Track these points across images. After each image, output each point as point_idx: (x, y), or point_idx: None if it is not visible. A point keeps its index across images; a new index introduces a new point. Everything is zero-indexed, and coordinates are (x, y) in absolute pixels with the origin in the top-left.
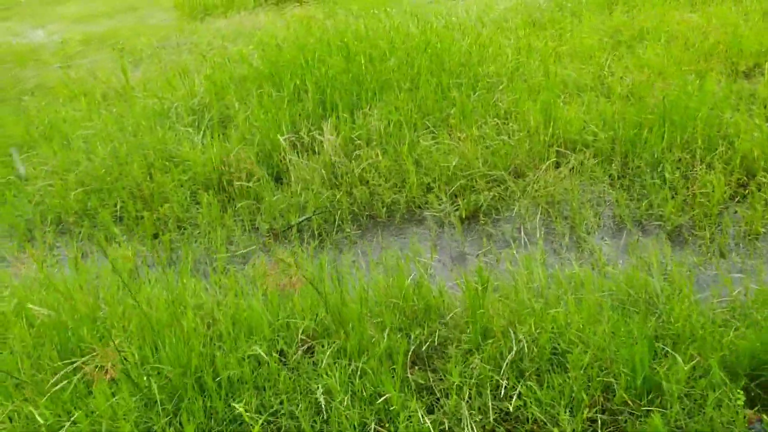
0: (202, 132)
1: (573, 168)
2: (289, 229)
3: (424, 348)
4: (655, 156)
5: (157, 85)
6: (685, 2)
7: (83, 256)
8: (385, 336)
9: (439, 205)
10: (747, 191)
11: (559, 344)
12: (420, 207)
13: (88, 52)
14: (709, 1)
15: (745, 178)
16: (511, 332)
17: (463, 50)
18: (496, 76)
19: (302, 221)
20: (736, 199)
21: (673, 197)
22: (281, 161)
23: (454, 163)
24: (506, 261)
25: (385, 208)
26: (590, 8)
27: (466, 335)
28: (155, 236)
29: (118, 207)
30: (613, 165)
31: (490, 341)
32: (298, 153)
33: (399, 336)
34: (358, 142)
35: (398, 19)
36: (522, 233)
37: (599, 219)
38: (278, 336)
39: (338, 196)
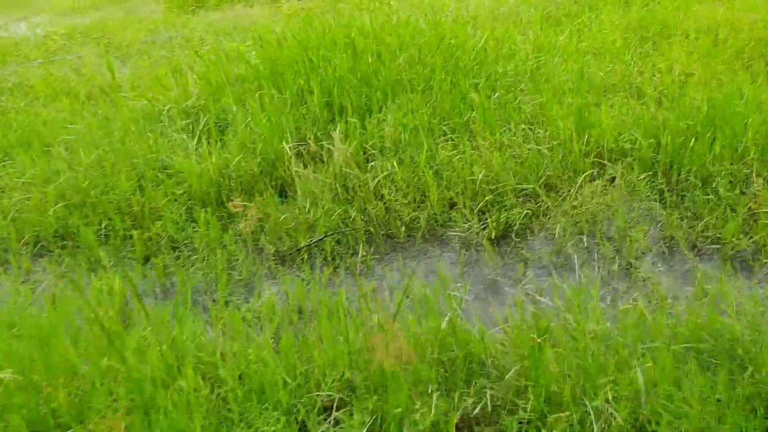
0: (197, 139)
1: (613, 181)
2: (298, 252)
3: (472, 414)
4: (705, 168)
5: (146, 84)
6: None
7: (65, 284)
8: (433, 405)
9: (465, 223)
10: None
11: (640, 415)
12: (443, 225)
13: (72, 46)
14: None
15: None
16: (584, 400)
17: (479, 47)
18: (514, 76)
19: (312, 244)
20: None
21: (732, 217)
22: (286, 172)
23: (480, 177)
24: (552, 294)
25: (403, 227)
26: (607, 1)
27: (523, 401)
28: (146, 259)
29: (104, 225)
30: (658, 178)
31: (558, 414)
32: (304, 163)
33: (441, 398)
34: (372, 151)
35: (405, 12)
36: (562, 257)
37: (648, 241)
38: (297, 402)
39: (352, 214)
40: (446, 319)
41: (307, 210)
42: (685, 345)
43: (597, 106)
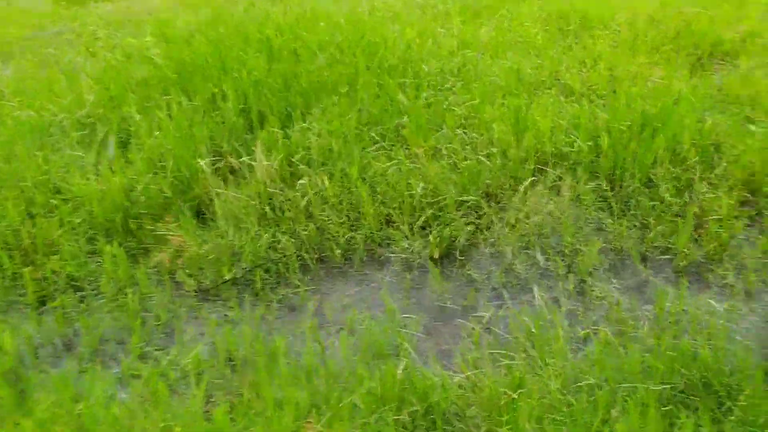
0: (96, 155)
1: (557, 189)
2: (223, 286)
3: None
4: (648, 172)
5: (33, 89)
6: None
7: None
8: None
9: (405, 241)
10: (755, 211)
11: None
12: (381, 245)
13: None
14: None
15: (748, 195)
16: None
17: (402, 44)
18: (441, 74)
19: (239, 276)
20: (743, 221)
21: (681, 225)
22: (203, 192)
23: (419, 190)
24: (510, 324)
25: (339, 250)
26: None
27: None
28: (42, 303)
29: None
30: (602, 183)
31: None
32: (223, 180)
33: None
34: (299, 165)
35: (320, 4)
36: (512, 277)
37: (599, 254)
38: None
39: (281, 238)
40: (401, 366)
41: (230, 235)
42: (662, 384)
43: (528, 105)
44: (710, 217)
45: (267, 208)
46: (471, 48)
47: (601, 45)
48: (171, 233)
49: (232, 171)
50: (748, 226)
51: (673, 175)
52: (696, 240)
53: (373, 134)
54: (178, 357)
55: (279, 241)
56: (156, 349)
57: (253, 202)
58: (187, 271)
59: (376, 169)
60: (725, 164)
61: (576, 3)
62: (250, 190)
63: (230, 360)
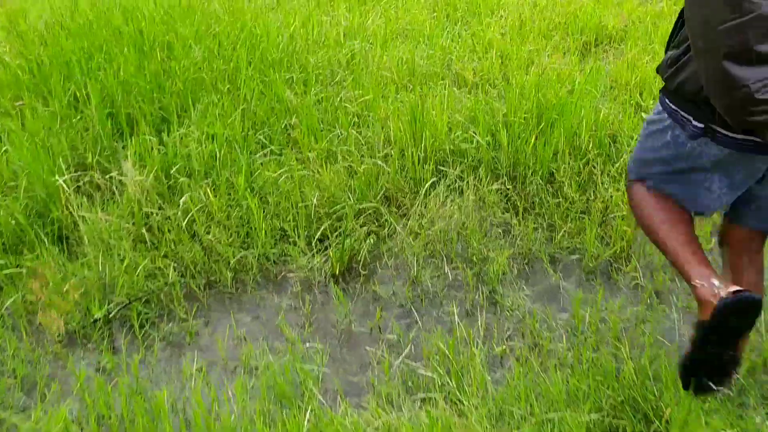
0: None
1: (459, 190)
2: (93, 325)
3: None
4: (548, 167)
5: None
6: None
7: None
8: None
9: (303, 258)
10: None
11: None
12: (276, 263)
13: None
14: None
15: None
16: None
17: (287, 34)
18: (329, 67)
19: (112, 313)
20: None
21: (586, 224)
22: (65, 214)
23: (314, 200)
24: (424, 349)
25: (230, 272)
26: None
27: None
28: None
29: None
30: (504, 182)
31: None
32: (90, 199)
33: None
34: (178, 177)
35: None
36: (419, 290)
37: (508, 260)
38: None
39: (162, 265)
40: (307, 413)
41: (100, 266)
42: (589, 411)
43: (423, 99)
44: (614, 214)
45: (143, 230)
46: (359, 37)
47: (491, 32)
48: (27, 267)
49: (100, 188)
50: None
51: (574, 170)
52: (602, 238)
53: (261, 137)
54: (41, 422)
55: (159, 268)
56: (13, 413)
57: (126, 224)
58: (48, 312)
59: (266, 177)
60: (624, 156)
61: None
62: (121, 209)
63: (103, 421)
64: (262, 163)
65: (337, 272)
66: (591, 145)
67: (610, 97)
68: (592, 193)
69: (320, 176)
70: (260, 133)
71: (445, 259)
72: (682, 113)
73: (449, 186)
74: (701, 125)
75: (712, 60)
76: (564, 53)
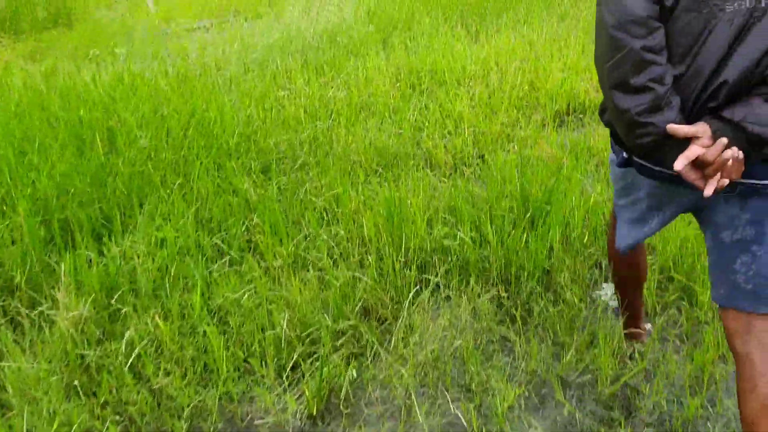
0: None
1: (446, 295)
2: None
3: None
4: (542, 266)
5: None
6: (463, 34)
7: None
8: None
9: (272, 395)
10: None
11: None
12: (241, 402)
13: None
14: (487, 29)
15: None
16: None
17: (243, 115)
18: (291, 151)
19: None
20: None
21: (592, 333)
22: None
23: (284, 323)
24: None
25: (184, 422)
26: (367, 44)
27: None
28: None
29: None
30: (496, 285)
31: None
32: (18, 329)
33: None
34: (119, 305)
35: (135, 63)
36: (412, 431)
37: (511, 386)
38: None
39: (100, 414)
40: None
41: (25, 423)
42: None
43: (396, 187)
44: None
45: (75, 374)
46: (320, 113)
47: (459, 104)
48: None
49: (17, 322)
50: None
51: (571, 268)
52: (616, 353)
53: (217, 241)
54: None
55: (94, 426)
56: None
57: (56, 367)
58: None
59: (226, 295)
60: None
61: (422, 55)
62: (53, 348)
63: None
64: (220, 275)
65: (314, 412)
66: (586, 238)
67: (596, 178)
68: (595, 296)
69: (288, 292)
70: (217, 236)
71: (440, 387)
72: (614, 144)
73: (435, 292)
74: (626, 155)
75: (606, 92)
76: (539, 126)
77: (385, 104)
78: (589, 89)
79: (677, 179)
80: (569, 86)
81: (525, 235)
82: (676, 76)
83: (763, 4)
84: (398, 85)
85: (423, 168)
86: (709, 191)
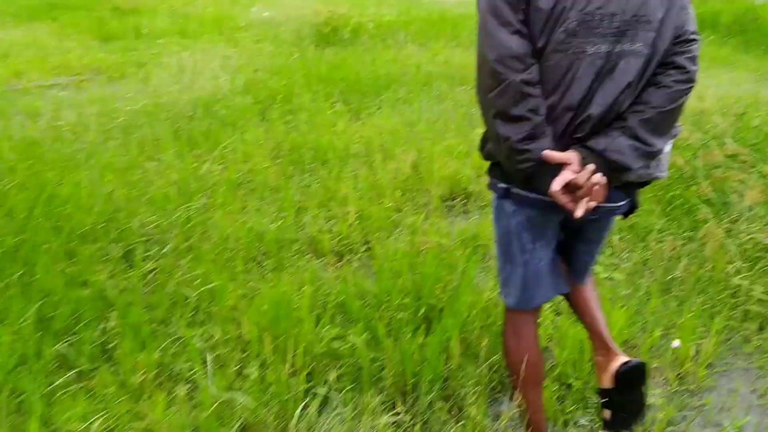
0: None
1: (339, 412)
2: None
3: None
4: (439, 373)
5: None
6: (345, 110)
7: None
8: None
9: None
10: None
11: None
12: None
13: None
14: (368, 107)
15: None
16: None
17: (103, 190)
18: (160, 234)
19: None
20: None
21: None
22: None
23: None
24: None
25: None
26: (245, 116)
27: None
28: None
29: None
30: (391, 399)
31: None
32: None
33: None
34: None
35: None
36: None
37: None
38: None
39: None
40: None
41: None
42: None
43: (278, 271)
44: None
45: None
46: (194, 190)
47: (344, 186)
48: None
49: None
50: None
51: (470, 375)
52: None
53: (63, 350)
54: None
55: None
56: None
57: None
58: None
59: (69, 424)
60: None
61: (304, 131)
62: None
63: None
64: (65, 393)
65: None
66: (486, 341)
67: (487, 272)
68: (500, 410)
69: (152, 412)
70: (63, 342)
71: None
72: (492, 179)
73: (325, 406)
74: (504, 186)
75: (488, 120)
76: (426, 212)
77: (263, 182)
78: (471, 175)
79: (551, 205)
80: (452, 171)
81: (421, 338)
82: (548, 109)
83: (617, 50)
84: (279, 161)
85: (307, 254)
86: (579, 212)
